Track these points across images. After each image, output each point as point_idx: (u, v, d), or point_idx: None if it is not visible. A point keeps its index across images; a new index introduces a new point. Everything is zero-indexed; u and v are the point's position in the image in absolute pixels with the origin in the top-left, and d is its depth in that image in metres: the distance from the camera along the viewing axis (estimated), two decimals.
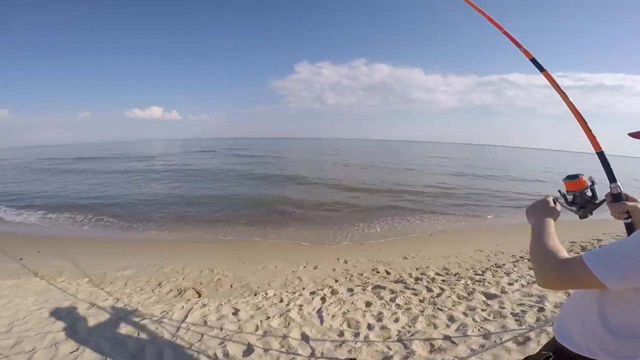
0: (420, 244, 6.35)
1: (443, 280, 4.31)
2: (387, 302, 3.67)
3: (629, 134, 1.00)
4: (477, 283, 4.18)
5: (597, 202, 1.14)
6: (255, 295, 3.96)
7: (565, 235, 6.18)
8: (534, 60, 1.46)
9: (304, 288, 4.19)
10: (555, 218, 1.07)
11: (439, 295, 3.83)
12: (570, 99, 1.30)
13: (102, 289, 4.16)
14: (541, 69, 1.43)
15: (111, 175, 18.13)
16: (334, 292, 3.96)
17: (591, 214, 1.14)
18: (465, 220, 8.83)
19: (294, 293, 4.01)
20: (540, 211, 1.09)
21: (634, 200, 1.11)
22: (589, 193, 1.15)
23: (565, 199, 1.18)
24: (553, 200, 1.12)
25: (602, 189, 1.16)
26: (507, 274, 4.50)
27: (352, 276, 4.64)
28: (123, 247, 6.61)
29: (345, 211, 9.32)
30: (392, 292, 3.95)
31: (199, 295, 3.99)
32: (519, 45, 1.53)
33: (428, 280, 4.36)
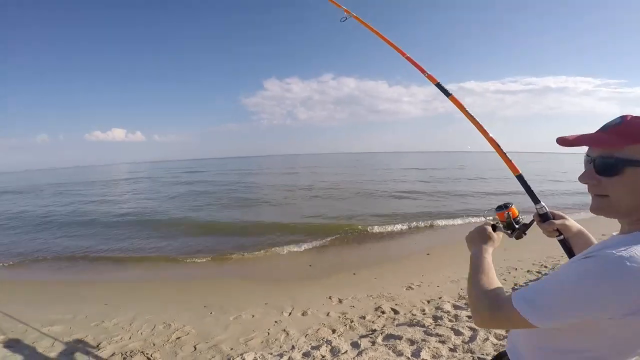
0: (420, 267, 5.46)
1: (468, 317, 3.41)
2: (409, 359, 2.69)
3: (557, 140, 0.82)
4: None
5: (528, 223, 1.17)
6: None
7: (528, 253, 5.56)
8: (438, 85, 1.51)
9: (293, 347, 3.10)
10: (495, 245, 1.08)
11: (472, 338, 2.92)
12: (480, 122, 1.36)
13: (18, 354, 3.07)
14: (447, 94, 1.47)
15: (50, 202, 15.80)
16: (334, 352, 2.90)
17: (525, 234, 1.16)
18: (461, 231, 8.11)
19: (281, 356, 2.91)
20: (478, 239, 1.08)
21: (561, 217, 1.12)
22: (509, 219, 1.15)
23: (496, 226, 1.14)
24: (492, 226, 1.12)
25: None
26: None
27: (352, 322, 3.61)
28: (57, 291, 5.19)
29: (327, 235, 8.27)
30: (412, 342, 2.97)
31: None
32: (422, 71, 1.58)
33: (449, 317, 3.44)
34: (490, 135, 1.33)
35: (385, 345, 2.95)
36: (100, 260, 6.81)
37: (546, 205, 1.12)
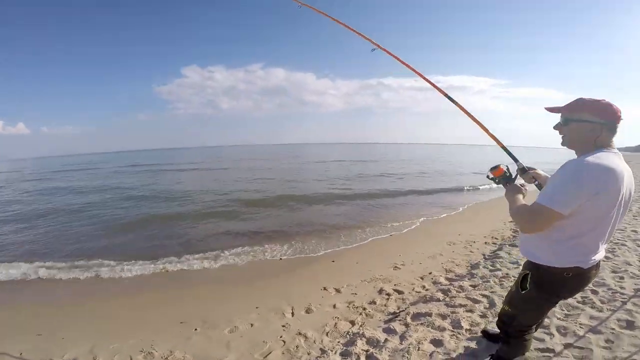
0: (393, 248, 5.55)
1: (472, 286, 3.56)
2: (455, 332, 2.61)
3: (545, 108, 1.55)
4: (504, 278, 3.62)
5: (514, 176, 1.81)
6: None
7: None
8: (450, 98, 2.18)
9: (323, 350, 2.67)
10: (521, 192, 1.65)
11: (492, 303, 3.03)
12: (482, 122, 2.04)
13: None
14: (455, 102, 2.17)
15: None
16: (374, 343, 2.61)
17: (513, 182, 1.77)
18: (413, 212, 8.65)
19: None
20: (511, 190, 1.66)
21: (534, 169, 1.83)
22: (508, 173, 1.82)
23: (495, 180, 1.84)
24: (498, 180, 1.84)
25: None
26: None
27: (365, 309, 3.36)
28: None
29: (287, 224, 7.72)
30: (443, 316, 2.91)
31: None
32: (445, 94, 2.21)
33: (456, 289, 3.51)
34: (491, 132, 2.02)
35: (422, 323, 2.81)
36: None
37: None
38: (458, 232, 6.11)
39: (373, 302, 3.52)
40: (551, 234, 1.43)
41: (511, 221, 6.78)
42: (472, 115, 2.08)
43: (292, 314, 3.41)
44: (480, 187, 13.41)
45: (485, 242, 5.46)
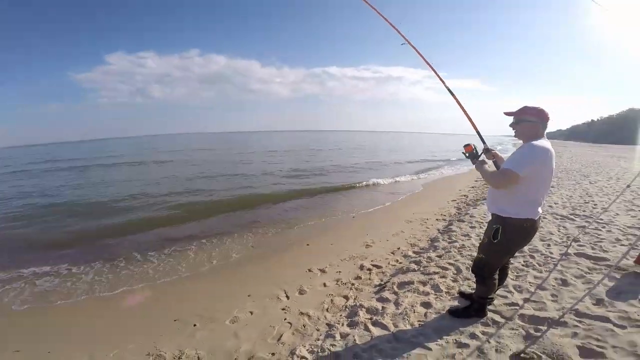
0: (358, 228, 6.03)
1: (438, 256, 4.16)
2: (437, 295, 3.11)
3: (504, 113, 2.32)
4: (461, 248, 4.31)
5: (479, 154, 2.47)
6: None
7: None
8: (450, 92, 2.78)
9: (329, 325, 2.92)
10: (488, 163, 2.45)
11: (459, 269, 3.64)
12: (463, 106, 2.73)
13: None
14: (453, 95, 2.76)
15: None
16: (373, 312, 2.97)
17: (478, 159, 2.45)
18: (363, 194, 9.27)
19: (331, 337, 2.71)
20: (478, 162, 2.42)
21: (494, 149, 2.54)
22: (474, 151, 2.48)
23: (465, 155, 2.52)
24: (471, 153, 2.50)
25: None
26: (467, 223, 4.93)
27: (353, 285, 3.72)
28: None
29: (248, 220, 7.55)
30: (423, 283, 3.40)
31: None
32: (455, 98, 2.76)
33: (425, 260, 4.08)
34: (474, 122, 2.72)
35: (408, 290, 3.26)
36: None
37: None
38: (412, 212, 6.87)
39: (358, 278, 3.90)
40: (515, 193, 2.14)
41: (453, 200, 7.90)
42: (463, 108, 2.74)
43: (287, 297, 3.60)
44: (419, 176, 14.86)
45: (437, 219, 6.28)
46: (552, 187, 7.81)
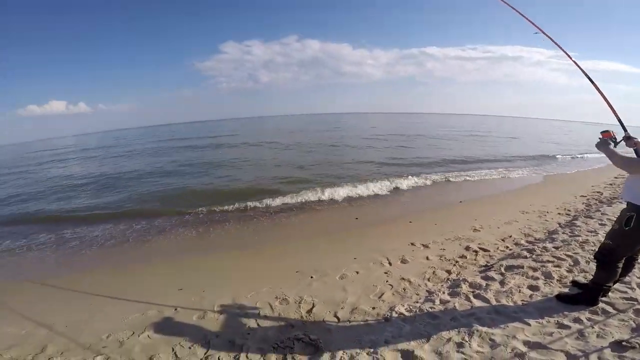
0: (467, 213, 5.92)
1: (555, 247, 3.90)
2: (548, 281, 3.05)
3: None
4: (584, 243, 3.91)
5: (619, 141, 2.42)
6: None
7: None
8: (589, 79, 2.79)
9: (430, 292, 3.22)
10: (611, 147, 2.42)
11: (576, 261, 3.38)
12: (601, 90, 2.67)
13: None
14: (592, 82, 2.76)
15: None
16: (476, 286, 3.12)
17: (617, 145, 2.42)
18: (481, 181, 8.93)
19: (430, 302, 3.03)
20: (606, 147, 2.42)
21: (636, 138, 2.30)
22: (614, 137, 2.43)
23: (606, 140, 2.44)
24: (604, 141, 2.44)
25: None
26: (597, 220, 4.40)
27: (457, 262, 3.87)
28: None
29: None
30: (534, 269, 3.32)
31: None
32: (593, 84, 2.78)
33: (540, 249, 3.89)
34: (613, 107, 2.59)
35: (516, 273, 3.27)
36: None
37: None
38: (529, 203, 6.30)
39: (463, 257, 4.01)
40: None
41: (583, 195, 6.87)
42: (602, 93, 2.69)
43: (390, 263, 4.00)
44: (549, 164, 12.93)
45: (559, 213, 5.64)
46: None
